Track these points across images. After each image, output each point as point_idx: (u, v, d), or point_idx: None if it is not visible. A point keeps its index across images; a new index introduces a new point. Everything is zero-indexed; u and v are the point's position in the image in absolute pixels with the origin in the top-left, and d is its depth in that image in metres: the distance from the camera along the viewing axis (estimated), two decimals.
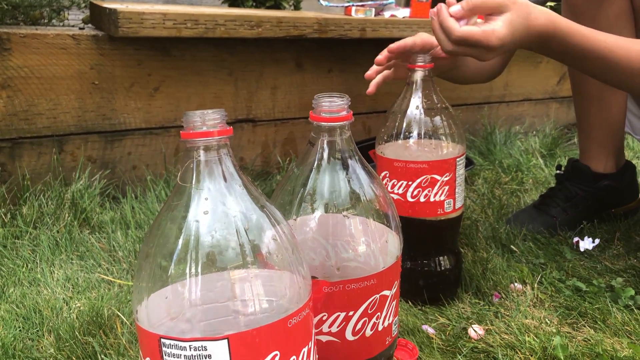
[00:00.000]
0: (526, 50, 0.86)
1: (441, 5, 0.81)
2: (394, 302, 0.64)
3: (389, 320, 0.63)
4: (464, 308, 0.91)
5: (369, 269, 0.60)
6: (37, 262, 1.02)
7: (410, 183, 0.85)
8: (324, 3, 1.76)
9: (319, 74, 1.54)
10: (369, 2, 1.63)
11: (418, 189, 0.85)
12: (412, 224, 0.84)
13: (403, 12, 1.66)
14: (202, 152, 0.46)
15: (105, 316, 0.83)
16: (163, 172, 1.37)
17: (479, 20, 0.80)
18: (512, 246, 1.10)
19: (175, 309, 0.45)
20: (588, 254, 1.08)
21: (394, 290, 0.63)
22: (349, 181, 0.60)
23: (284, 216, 0.51)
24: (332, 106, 0.58)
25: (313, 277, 0.57)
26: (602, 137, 1.20)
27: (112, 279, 0.97)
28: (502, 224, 1.20)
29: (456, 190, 0.87)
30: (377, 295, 0.60)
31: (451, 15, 0.79)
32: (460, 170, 0.87)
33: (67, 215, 1.14)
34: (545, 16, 0.80)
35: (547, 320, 0.86)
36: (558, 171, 1.28)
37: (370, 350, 0.62)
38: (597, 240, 1.09)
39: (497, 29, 0.77)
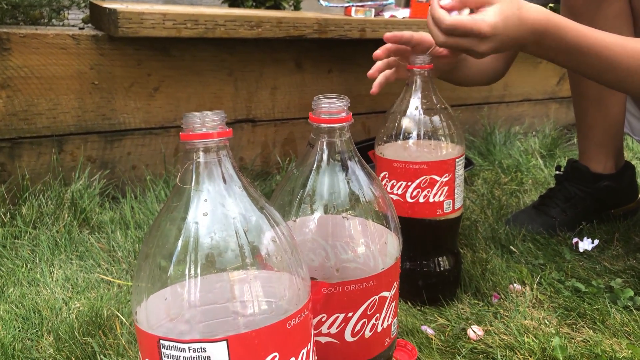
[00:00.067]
0: (521, 48, 0.86)
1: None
2: (393, 303, 0.64)
3: (388, 321, 0.63)
4: (463, 309, 0.91)
5: (368, 270, 0.60)
6: (36, 262, 1.02)
7: (409, 184, 0.85)
8: (323, 3, 1.76)
9: (319, 74, 1.54)
10: (369, 3, 1.63)
11: (417, 190, 0.85)
12: (411, 224, 0.85)
13: (403, 13, 1.67)
14: (201, 154, 0.47)
15: (104, 316, 0.83)
16: (163, 172, 1.37)
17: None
18: (511, 247, 1.10)
19: (175, 310, 0.45)
20: (587, 254, 1.08)
21: (393, 291, 0.63)
22: (348, 182, 0.60)
23: (283, 217, 0.51)
24: (332, 108, 0.58)
25: (312, 278, 0.57)
26: (601, 137, 1.20)
27: (112, 279, 0.97)
28: (502, 225, 1.20)
29: (455, 190, 0.87)
30: (377, 297, 0.60)
31: (442, 7, 0.79)
32: (460, 171, 0.87)
33: (66, 215, 1.14)
34: (539, 10, 0.81)
35: (546, 321, 0.86)
36: (557, 172, 1.28)
37: (369, 351, 0.63)
38: (596, 241, 1.09)
39: (487, 16, 0.78)
